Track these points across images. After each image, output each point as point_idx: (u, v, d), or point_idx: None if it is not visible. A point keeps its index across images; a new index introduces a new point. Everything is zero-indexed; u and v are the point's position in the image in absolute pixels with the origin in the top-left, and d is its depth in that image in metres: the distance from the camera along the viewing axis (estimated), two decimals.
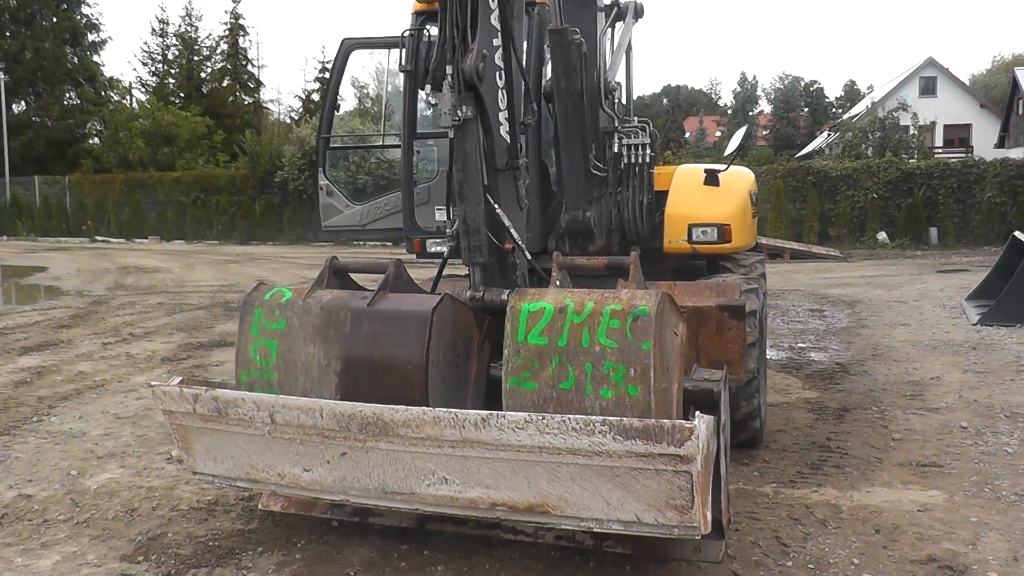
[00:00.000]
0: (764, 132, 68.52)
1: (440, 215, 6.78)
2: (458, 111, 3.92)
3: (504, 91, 4.31)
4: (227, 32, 50.13)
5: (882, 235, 25.48)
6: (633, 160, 6.12)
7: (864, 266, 20.62)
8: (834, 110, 70.57)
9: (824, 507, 4.70)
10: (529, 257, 4.45)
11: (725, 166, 6.50)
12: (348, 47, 7.33)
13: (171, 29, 48.40)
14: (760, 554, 4.08)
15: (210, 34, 61.54)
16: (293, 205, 32.30)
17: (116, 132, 39.75)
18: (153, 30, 51.71)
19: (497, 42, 4.22)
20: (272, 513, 4.54)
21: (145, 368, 8.68)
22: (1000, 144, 42.18)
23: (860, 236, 25.88)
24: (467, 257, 4.23)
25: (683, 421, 3.20)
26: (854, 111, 47.92)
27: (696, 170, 6.64)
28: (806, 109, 71.84)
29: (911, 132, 33.33)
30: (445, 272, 4.98)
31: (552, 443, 3.29)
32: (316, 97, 50.68)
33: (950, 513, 4.62)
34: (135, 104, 45.54)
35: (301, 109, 50.66)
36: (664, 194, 6.37)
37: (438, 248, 6.59)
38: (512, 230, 4.37)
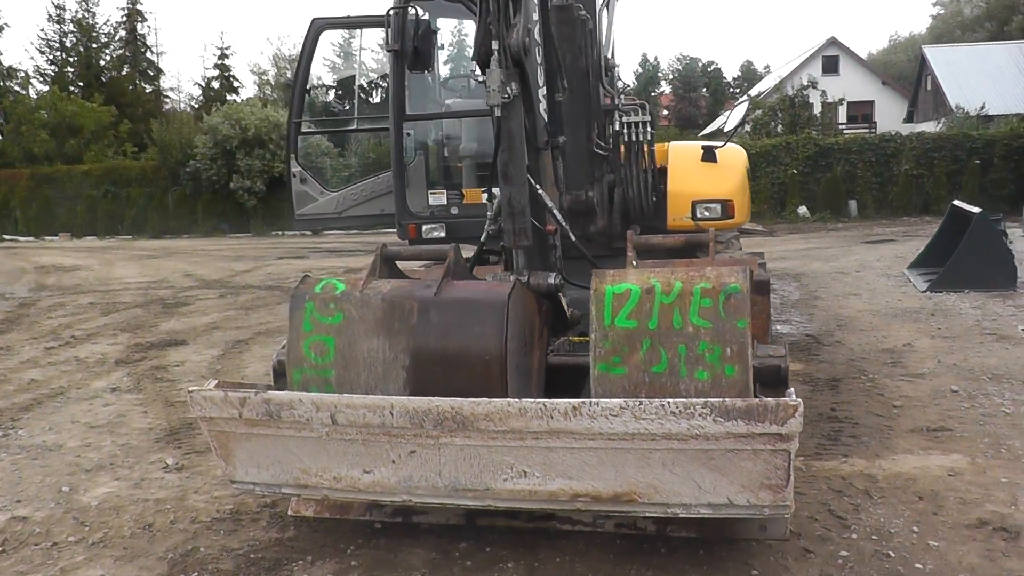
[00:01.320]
0: (665, 112, 69.63)
1: (434, 199, 6.56)
2: (507, 88, 3.72)
3: (542, 67, 4.14)
4: (124, 18, 47.93)
5: (803, 209, 26.19)
6: (634, 138, 6.02)
7: (791, 239, 21.14)
8: (732, 90, 72.37)
9: (860, 478, 4.71)
10: (574, 238, 4.31)
11: (723, 143, 6.48)
12: (318, 27, 7.01)
13: (68, 15, 45.94)
14: (822, 528, 4.06)
15: (108, 20, 58.85)
16: (207, 196, 31.14)
17: (19, 125, 37.48)
18: (49, 16, 48.93)
19: (536, 16, 4.03)
20: (305, 519, 4.28)
21: (100, 372, 8.15)
22: (909, 119, 43.90)
23: (781, 211, 26.55)
24: (512, 240, 4.06)
25: (787, 399, 3.13)
26: (758, 89, 49.06)
27: (690, 147, 6.61)
28: (705, 89, 73.42)
29: (817, 110, 34.35)
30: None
31: (648, 429, 3.17)
32: (216, 85, 49.10)
33: (979, 476, 4.70)
34: (35, 95, 43.08)
35: (201, 97, 48.93)
36: (661, 171, 6.32)
37: (435, 234, 6.38)
38: (555, 211, 4.24)
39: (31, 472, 5.27)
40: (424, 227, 6.43)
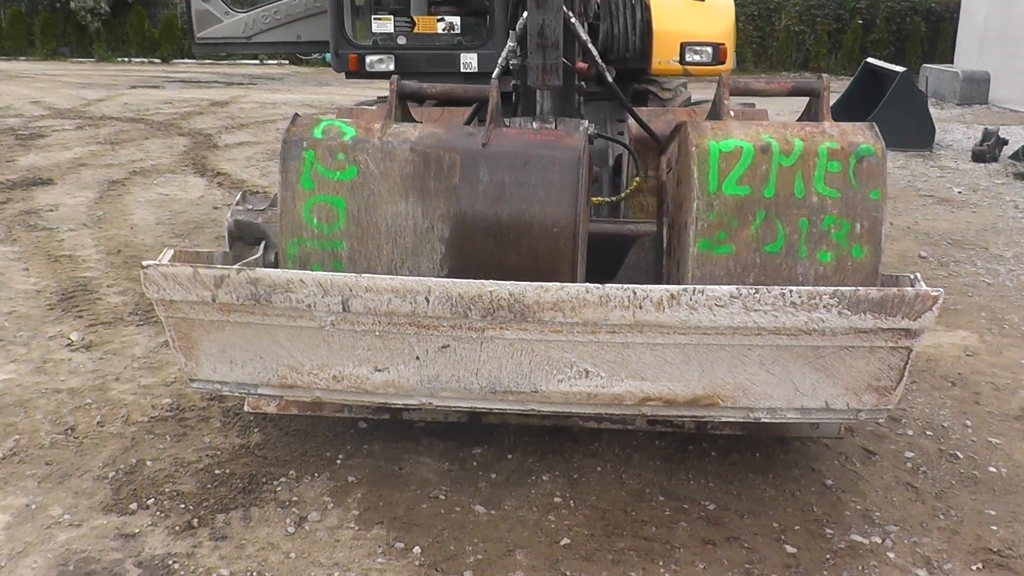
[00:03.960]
0: None
1: (379, 25, 5.47)
2: None
3: None
4: None
5: None
6: None
7: None
8: None
9: None
10: (611, 79, 3.50)
11: None
12: None
13: None
14: (873, 423, 3.62)
15: None
16: (45, 16, 27.44)
17: None
18: None
19: None
20: (269, 419, 3.49)
21: None
22: None
23: None
24: (540, 78, 3.22)
25: (926, 288, 2.57)
26: None
27: None
28: None
29: None
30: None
31: (757, 323, 2.55)
32: None
33: (997, 357, 4.44)
34: None
35: None
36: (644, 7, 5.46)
37: (381, 66, 5.36)
38: (591, 45, 3.41)
39: None
40: (368, 58, 5.36)
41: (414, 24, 5.58)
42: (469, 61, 5.42)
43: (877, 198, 2.61)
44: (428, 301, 2.55)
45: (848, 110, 12.12)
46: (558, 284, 2.51)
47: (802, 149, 2.61)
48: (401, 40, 5.47)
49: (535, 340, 2.66)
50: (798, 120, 2.99)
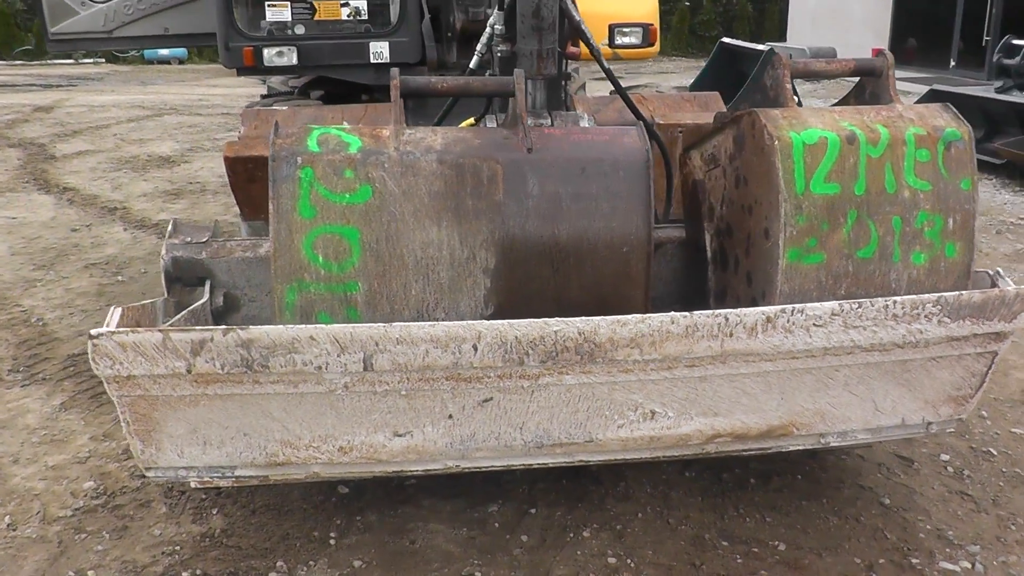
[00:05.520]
0: None
1: (274, 13, 4.78)
2: None
3: None
4: None
5: None
6: None
7: None
8: None
9: None
10: (607, 67, 3.06)
11: None
12: None
13: None
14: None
15: None
16: None
17: None
18: None
19: None
20: (220, 492, 2.86)
21: None
22: None
23: None
24: (536, 66, 2.78)
25: (1019, 286, 2.33)
26: None
27: None
28: None
29: None
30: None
31: (854, 340, 2.22)
32: None
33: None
34: None
35: None
36: None
37: (282, 60, 4.70)
38: (584, 27, 2.98)
39: None
40: (266, 52, 4.67)
41: (314, 10, 4.93)
42: (380, 50, 4.84)
43: (968, 188, 2.31)
44: (476, 349, 2.03)
45: (707, 90, 12.25)
46: (638, 316, 2.06)
47: (889, 137, 2.26)
48: (300, 29, 4.82)
49: (599, 383, 2.20)
50: (840, 103, 2.67)
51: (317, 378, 2.08)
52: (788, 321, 2.14)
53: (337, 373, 2.06)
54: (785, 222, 2.20)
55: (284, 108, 4.34)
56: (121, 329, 1.99)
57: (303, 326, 1.98)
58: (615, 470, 2.98)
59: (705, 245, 2.67)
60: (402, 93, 2.27)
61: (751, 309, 2.12)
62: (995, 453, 3.21)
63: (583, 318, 2.04)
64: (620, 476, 2.96)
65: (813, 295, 2.28)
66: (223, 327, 1.98)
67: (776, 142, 2.21)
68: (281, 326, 1.98)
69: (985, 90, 8.49)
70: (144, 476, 2.38)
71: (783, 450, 2.59)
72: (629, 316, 2.06)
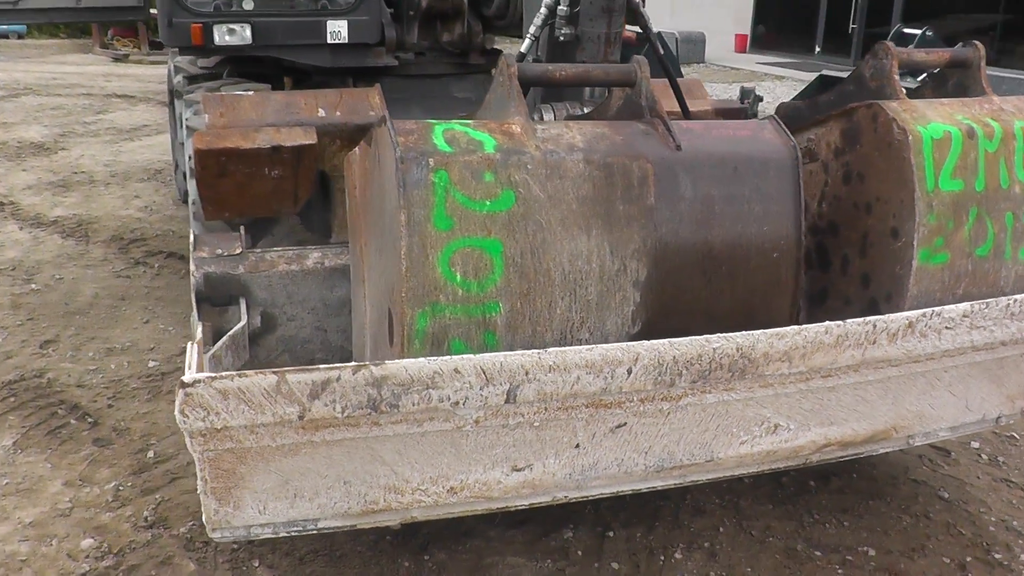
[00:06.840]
0: None
1: None
2: None
3: None
4: None
5: None
6: None
7: None
8: None
9: None
10: (662, 51, 2.88)
11: None
12: None
13: None
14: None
15: None
16: None
17: None
18: None
19: None
20: (240, 543, 2.50)
21: None
22: None
23: None
24: (604, 52, 2.62)
25: None
26: None
27: None
28: None
29: None
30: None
31: (972, 341, 2.18)
32: None
33: None
34: None
35: None
36: None
37: (234, 39, 4.24)
38: (643, 9, 2.83)
39: None
40: (216, 29, 4.17)
41: None
42: (338, 29, 4.43)
43: None
44: (630, 372, 1.81)
45: None
46: (795, 328, 1.90)
47: (1002, 132, 2.20)
48: (248, 5, 4.35)
49: (736, 400, 2.04)
50: (914, 94, 2.60)
51: (447, 415, 1.80)
52: (926, 325, 2.05)
53: (473, 408, 1.79)
54: (919, 222, 2.09)
55: (250, 94, 3.89)
56: (223, 375, 1.64)
57: (446, 358, 1.70)
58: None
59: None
60: (520, 81, 1.99)
61: (896, 315, 2.01)
62: (1018, 437, 3.28)
63: (742, 333, 1.86)
64: (684, 488, 2.81)
65: (936, 296, 2.21)
66: (352, 364, 1.66)
67: (909, 136, 2.09)
68: (422, 359, 1.69)
69: None
70: (208, 538, 2.01)
71: (874, 453, 2.52)
72: (786, 328, 1.90)
